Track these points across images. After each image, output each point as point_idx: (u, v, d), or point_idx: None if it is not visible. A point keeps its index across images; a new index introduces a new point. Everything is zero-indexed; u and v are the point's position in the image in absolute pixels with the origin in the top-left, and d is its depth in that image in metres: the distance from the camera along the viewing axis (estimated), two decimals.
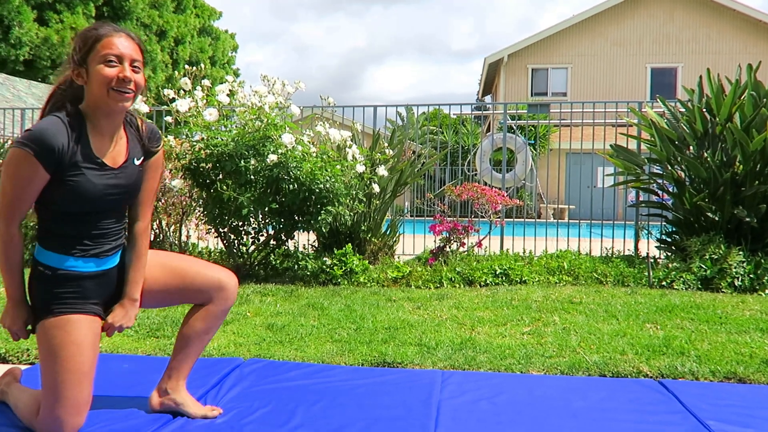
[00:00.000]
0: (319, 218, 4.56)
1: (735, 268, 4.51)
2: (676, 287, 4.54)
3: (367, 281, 4.66)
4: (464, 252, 5.36)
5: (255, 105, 4.58)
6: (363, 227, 5.31)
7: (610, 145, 5.75)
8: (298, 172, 4.42)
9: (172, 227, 5.66)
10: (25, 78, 20.54)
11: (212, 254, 5.53)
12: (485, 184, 7.02)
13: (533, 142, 14.78)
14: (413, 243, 6.37)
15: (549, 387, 2.32)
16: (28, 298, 1.76)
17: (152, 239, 5.68)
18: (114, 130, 1.76)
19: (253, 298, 4.06)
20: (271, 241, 4.92)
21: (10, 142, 6.75)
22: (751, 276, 4.47)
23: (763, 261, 4.57)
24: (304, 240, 5.84)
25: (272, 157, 4.31)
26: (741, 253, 4.61)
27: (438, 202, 7.03)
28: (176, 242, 5.49)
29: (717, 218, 4.91)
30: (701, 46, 18.04)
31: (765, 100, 4.78)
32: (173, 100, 4.62)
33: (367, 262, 4.91)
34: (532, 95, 18.70)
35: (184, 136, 4.67)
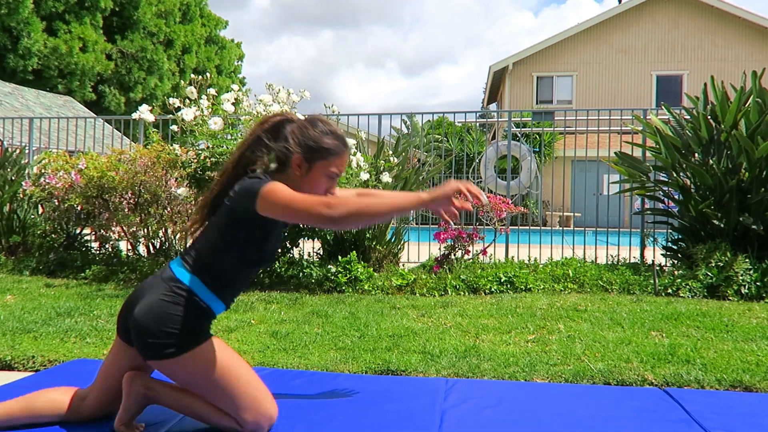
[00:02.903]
0: None
1: (741, 275, 4.48)
2: (681, 295, 4.52)
3: (371, 289, 4.66)
4: (469, 260, 5.35)
5: (260, 114, 4.61)
6: (368, 235, 5.31)
7: (615, 153, 5.74)
8: None
9: (178, 235, 5.68)
10: (34, 88, 20.73)
11: None
12: (490, 191, 7.01)
13: (538, 149, 14.78)
14: (418, 251, 6.37)
15: (553, 395, 2.31)
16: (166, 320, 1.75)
17: (158, 247, 5.71)
18: None
19: (258, 305, 4.07)
20: None
21: (18, 150, 6.81)
22: (757, 284, 4.44)
23: None
24: (308, 248, 5.84)
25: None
26: (747, 260, 4.58)
27: None
28: (181, 250, 5.51)
29: (723, 225, 4.89)
30: (706, 53, 18.01)
31: None
32: (179, 109, 4.65)
33: (371, 269, 4.91)
34: (537, 103, 18.71)
35: (190, 145, 4.70)
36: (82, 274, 5.21)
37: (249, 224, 1.77)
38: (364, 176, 4.88)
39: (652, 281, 4.73)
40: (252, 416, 1.78)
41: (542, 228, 7.31)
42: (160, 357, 1.74)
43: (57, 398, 1.88)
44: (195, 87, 4.73)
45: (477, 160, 11.64)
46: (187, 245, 1.88)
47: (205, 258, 1.81)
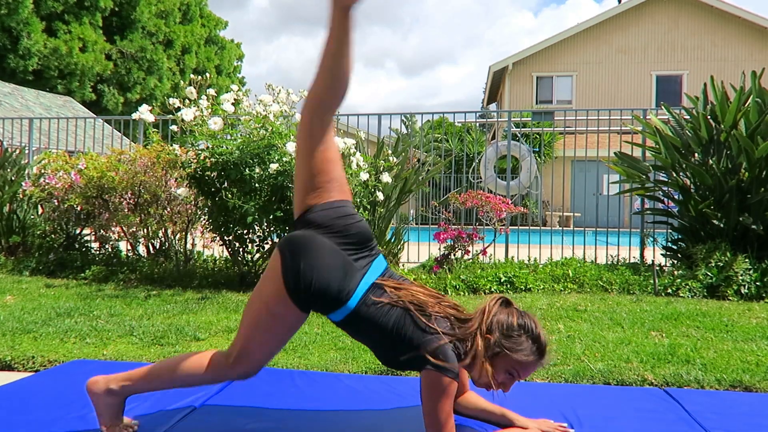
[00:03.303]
0: None
1: (741, 275, 4.48)
2: (681, 295, 4.52)
3: None
4: (469, 260, 5.35)
5: (260, 114, 4.61)
6: None
7: (615, 153, 5.74)
8: None
9: (178, 235, 5.69)
10: (34, 88, 20.73)
11: (217, 262, 5.54)
12: (490, 191, 7.02)
13: (538, 149, 14.78)
14: (418, 251, 6.37)
15: (553, 395, 2.31)
16: None
17: (157, 247, 5.71)
18: None
19: None
20: None
21: (18, 151, 6.81)
22: (757, 284, 4.44)
23: None
24: None
25: (273, 166, 4.33)
26: (747, 260, 4.59)
27: (442, 209, 7.04)
28: (181, 250, 5.51)
29: (723, 225, 4.89)
30: (706, 53, 18.02)
31: None
32: (178, 109, 4.65)
33: None
34: (537, 103, 18.71)
35: (190, 145, 4.70)
36: (82, 275, 5.21)
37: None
38: (364, 176, 4.88)
39: (651, 281, 4.73)
40: (248, 370, 1.79)
41: (542, 228, 7.31)
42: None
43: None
44: (195, 87, 4.73)
45: (477, 160, 11.64)
46: None
47: None
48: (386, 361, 1.80)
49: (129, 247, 5.84)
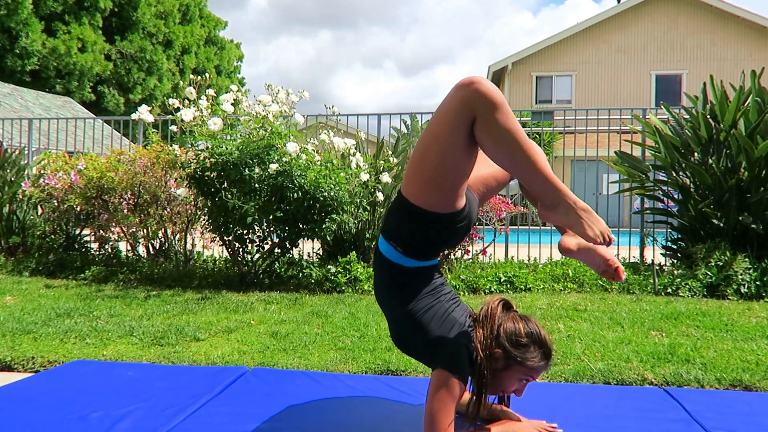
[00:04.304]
0: (324, 226, 4.57)
1: (741, 275, 4.48)
2: (681, 294, 4.52)
3: (371, 289, 4.66)
4: (468, 259, 5.35)
5: (259, 114, 4.61)
6: (367, 235, 5.31)
7: (615, 153, 5.74)
8: (303, 181, 4.44)
9: (177, 236, 5.69)
10: (32, 88, 20.72)
11: (217, 262, 5.54)
12: None
13: None
14: None
15: (553, 395, 2.31)
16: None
17: (157, 248, 5.71)
18: None
19: (258, 306, 4.07)
20: (276, 249, 4.93)
21: (17, 151, 6.81)
22: (757, 283, 4.44)
23: None
24: (308, 248, 5.85)
25: (273, 167, 4.32)
26: (747, 259, 4.59)
27: None
28: (181, 250, 5.51)
29: (722, 225, 4.89)
30: (706, 52, 18.02)
31: None
32: (178, 109, 4.65)
33: (371, 269, 4.91)
34: (536, 103, 18.71)
35: (189, 145, 4.70)
36: (82, 275, 5.21)
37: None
38: (364, 176, 4.88)
39: (651, 281, 4.73)
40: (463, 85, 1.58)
41: (542, 228, 7.31)
42: None
43: None
44: (194, 87, 4.73)
45: None
46: None
47: None
48: (400, 340, 1.83)
49: (129, 248, 5.84)
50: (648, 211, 5.72)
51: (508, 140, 1.55)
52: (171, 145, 5.31)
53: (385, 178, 5.11)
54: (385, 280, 1.85)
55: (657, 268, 5.12)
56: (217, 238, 4.99)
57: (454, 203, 1.69)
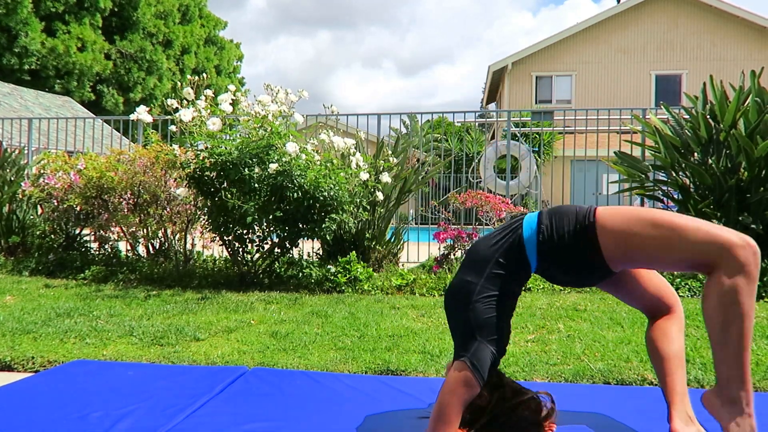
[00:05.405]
0: (323, 226, 4.57)
1: None
2: (681, 294, 4.52)
3: (371, 289, 4.66)
4: None
5: (258, 114, 4.61)
6: (367, 235, 5.32)
7: (615, 152, 5.74)
8: (302, 180, 4.44)
9: (177, 235, 5.68)
10: (31, 87, 20.72)
11: (217, 262, 5.54)
12: (489, 191, 7.02)
13: (537, 149, 14.78)
14: (417, 251, 6.37)
15: (553, 395, 2.31)
16: None
17: (157, 248, 5.71)
18: None
19: (258, 305, 4.07)
20: (276, 249, 4.93)
21: (17, 151, 6.80)
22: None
23: None
24: (308, 248, 5.85)
25: (273, 166, 4.32)
26: None
27: (442, 209, 7.04)
28: (181, 250, 5.51)
29: (722, 225, 4.89)
30: (705, 52, 18.02)
31: None
32: (177, 110, 4.65)
33: (371, 269, 4.91)
34: (536, 103, 18.71)
35: (189, 145, 4.70)
36: (82, 275, 5.21)
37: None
38: (364, 176, 4.88)
39: None
40: (735, 236, 1.61)
41: None
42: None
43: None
44: (192, 87, 4.73)
45: (476, 160, 11.64)
46: None
47: None
48: (455, 300, 1.83)
49: (128, 248, 5.84)
50: None
51: (736, 309, 1.59)
52: (170, 145, 5.31)
53: (385, 177, 5.11)
54: (493, 248, 1.81)
55: None
56: (217, 238, 4.99)
57: (617, 267, 1.77)
